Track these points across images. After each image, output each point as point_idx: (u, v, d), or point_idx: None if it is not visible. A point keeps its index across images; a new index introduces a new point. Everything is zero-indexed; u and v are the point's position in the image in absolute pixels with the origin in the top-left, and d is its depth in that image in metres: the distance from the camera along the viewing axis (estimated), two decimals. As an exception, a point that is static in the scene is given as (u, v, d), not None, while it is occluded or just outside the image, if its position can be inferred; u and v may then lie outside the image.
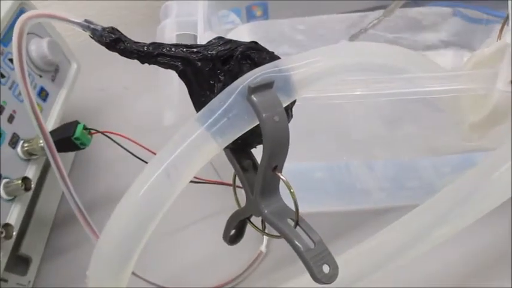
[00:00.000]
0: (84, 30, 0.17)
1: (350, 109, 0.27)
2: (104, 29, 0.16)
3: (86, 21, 0.17)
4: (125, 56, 0.17)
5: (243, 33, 0.39)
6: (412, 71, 0.22)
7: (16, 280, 0.28)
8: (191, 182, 0.18)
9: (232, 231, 0.22)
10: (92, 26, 0.16)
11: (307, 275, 0.17)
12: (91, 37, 0.17)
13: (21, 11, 0.30)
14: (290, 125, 0.18)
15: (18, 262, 0.28)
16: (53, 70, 0.32)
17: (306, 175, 0.33)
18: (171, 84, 0.29)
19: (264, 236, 0.30)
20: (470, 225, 0.20)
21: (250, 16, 0.41)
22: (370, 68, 0.20)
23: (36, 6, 0.31)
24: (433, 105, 0.26)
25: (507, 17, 0.23)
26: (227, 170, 0.21)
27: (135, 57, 0.17)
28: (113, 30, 0.16)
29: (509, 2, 0.21)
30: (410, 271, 0.25)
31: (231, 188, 0.21)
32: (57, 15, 0.18)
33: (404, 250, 0.20)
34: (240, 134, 0.18)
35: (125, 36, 0.17)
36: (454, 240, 0.20)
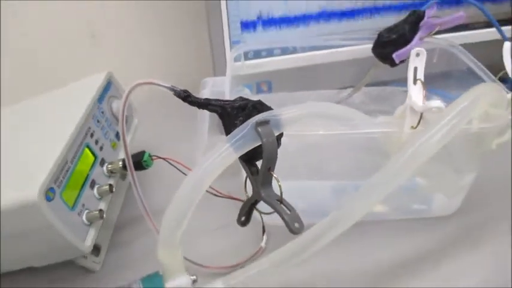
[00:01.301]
0: (170, 90, 0.32)
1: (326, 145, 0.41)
2: (181, 90, 0.31)
3: (172, 86, 0.32)
4: (191, 105, 0.32)
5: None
6: (355, 120, 0.36)
7: (92, 259, 0.40)
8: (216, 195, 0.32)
9: (243, 218, 0.36)
10: (175, 89, 0.31)
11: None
12: (174, 95, 0.31)
13: (110, 79, 0.46)
14: (284, 153, 0.32)
15: (94, 248, 0.41)
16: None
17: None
18: (201, 137, 0.43)
19: (264, 236, 0.42)
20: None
21: (259, 90, 0.57)
22: (328, 116, 0.35)
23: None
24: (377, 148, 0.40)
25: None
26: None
27: (196, 106, 0.32)
28: (186, 91, 0.31)
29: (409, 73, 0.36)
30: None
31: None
32: (155, 82, 0.32)
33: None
34: (250, 149, 0.32)
35: (192, 94, 0.32)
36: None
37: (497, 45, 0.44)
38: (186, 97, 0.32)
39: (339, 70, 0.55)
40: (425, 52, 0.35)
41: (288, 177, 0.33)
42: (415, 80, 0.35)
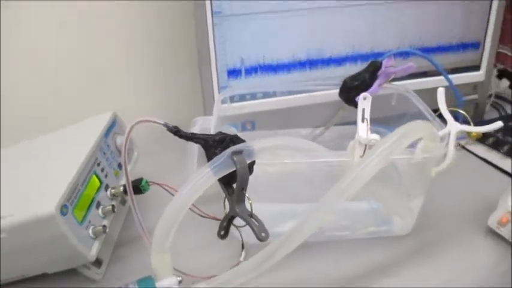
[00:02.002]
0: (163, 126, 0.40)
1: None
2: (172, 126, 0.40)
3: (165, 122, 0.40)
4: (180, 138, 0.40)
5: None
6: (316, 151, 0.44)
7: (95, 270, 0.47)
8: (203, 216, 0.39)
9: (222, 232, 0.43)
10: (168, 125, 0.40)
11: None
12: (167, 130, 0.40)
13: (115, 118, 0.54)
14: (258, 179, 0.40)
15: (96, 261, 0.48)
16: (125, 154, 0.55)
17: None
18: (191, 166, 0.51)
19: (243, 252, 0.49)
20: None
21: (243, 128, 0.66)
22: (292, 148, 0.43)
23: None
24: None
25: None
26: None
27: (184, 138, 0.40)
28: (176, 127, 0.40)
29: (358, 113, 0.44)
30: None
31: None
32: (151, 120, 0.41)
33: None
34: (226, 174, 0.39)
35: (181, 129, 0.40)
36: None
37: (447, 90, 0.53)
38: (176, 132, 0.40)
39: (313, 111, 0.63)
40: (370, 97, 0.44)
41: (270, 200, 0.40)
42: (362, 119, 0.43)
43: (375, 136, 0.40)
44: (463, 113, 0.49)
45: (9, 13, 0.67)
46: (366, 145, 0.41)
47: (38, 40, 0.71)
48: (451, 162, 0.45)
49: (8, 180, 0.46)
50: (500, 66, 0.87)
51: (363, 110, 0.44)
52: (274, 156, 0.43)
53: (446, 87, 0.51)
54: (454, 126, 0.46)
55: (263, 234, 0.38)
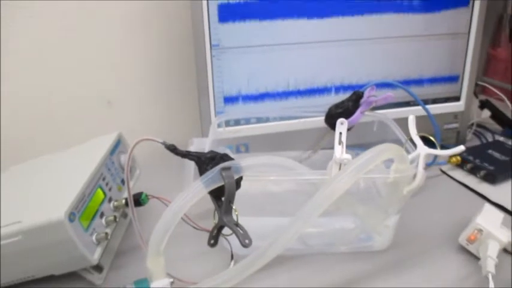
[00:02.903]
0: (162, 144, 0.45)
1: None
2: (170, 144, 0.45)
3: (163, 141, 0.45)
4: (177, 155, 0.45)
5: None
6: (298, 170, 0.49)
7: (97, 275, 0.52)
8: (196, 228, 0.45)
9: (212, 241, 0.47)
10: (166, 143, 0.45)
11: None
12: (165, 147, 0.45)
13: (120, 138, 0.60)
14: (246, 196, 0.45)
15: (98, 267, 0.53)
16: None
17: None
18: (187, 182, 0.56)
19: (232, 262, 0.54)
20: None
21: (238, 150, 0.71)
22: (276, 165, 0.48)
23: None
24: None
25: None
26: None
27: (180, 156, 0.45)
28: (173, 145, 0.45)
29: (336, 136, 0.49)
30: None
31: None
32: (150, 138, 0.46)
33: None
34: (216, 187, 0.44)
35: (177, 148, 0.45)
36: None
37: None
38: (173, 149, 0.45)
39: (302, 136, 0.69)
40: (346, 121, 0.49)
41: (256, 214, 0.45)
42: (339, 142, 0.48)
43: (347, 156, 0.46)
44: (432, 138, 0.54)
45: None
46: (340, 164, 0.46)
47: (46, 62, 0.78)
48: (421, 182, 0.50)
49: (23, 190, 0.51)
50: (483, 98, 0.93)
51: (340, 133, 0.49)
52: (260, 173, 0.48)
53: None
54: (422, 150, 0.51)
55: (247, 241, 0.43)
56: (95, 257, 0.47)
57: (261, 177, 0.49)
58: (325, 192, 0.42)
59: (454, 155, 0.74)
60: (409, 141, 0.54)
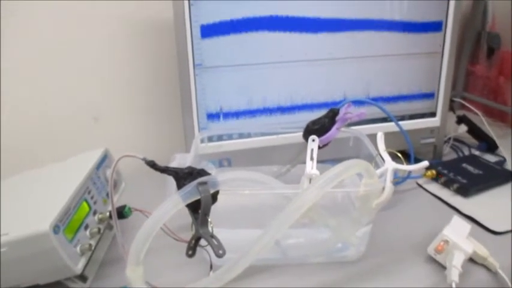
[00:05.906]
0: (142, 160, 0.48)
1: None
2: (149, 160, 0.48)
3: (144, 157, 0.48)
4: (156, 170, 0.48)
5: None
6: (271, 184, 0.52)
7: (81, 285, 0.54)
8: (176, 240, 0.47)
9: (190, 252, 0.50)
10: (146, 159, 0.48)
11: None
12: (145, 163, 0.48)
13: (106, 153, 0.63)
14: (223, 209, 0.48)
15: (82, 277, 0.55)
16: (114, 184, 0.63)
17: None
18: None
19: (211, 271, 0.56)
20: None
21: (220, 165, 0.74)
22: (250, 180, 0.51)
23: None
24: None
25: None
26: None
27: (159, 171, 0.48)
28: (152, 161, 0.48)
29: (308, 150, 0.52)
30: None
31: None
32: (132, 155, 0.49)
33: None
34: (193, 201, 0.47)
35: (156, 163, 0.48)
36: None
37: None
38: (152, 165, 0.48)
39: (282, 151, 0.72)
40: (318, 139, 0.52)
41: (233, 226, 0.48)
42: (311, 157, 0.52)
43: (315, 171, 0.49)
44: (398, 154, 0.57)
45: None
46: (310, 179, 0.49)
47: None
48: (389, 195, 0.53)
49: (10, 203, 0.54)
50: (460, 113, 0.97)
51: (312, 150, 0.52)
52: (235, 187, 0.50)
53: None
54: (390, 165, 0.54)
55: (220, 252, 0.46)
56: (79, 267, 0.50)
57: (236, 191, 0.51)
58: (295, 205, 0.45)
59: (429, 169, 0.77)
60: (379, 156, 0.57)
